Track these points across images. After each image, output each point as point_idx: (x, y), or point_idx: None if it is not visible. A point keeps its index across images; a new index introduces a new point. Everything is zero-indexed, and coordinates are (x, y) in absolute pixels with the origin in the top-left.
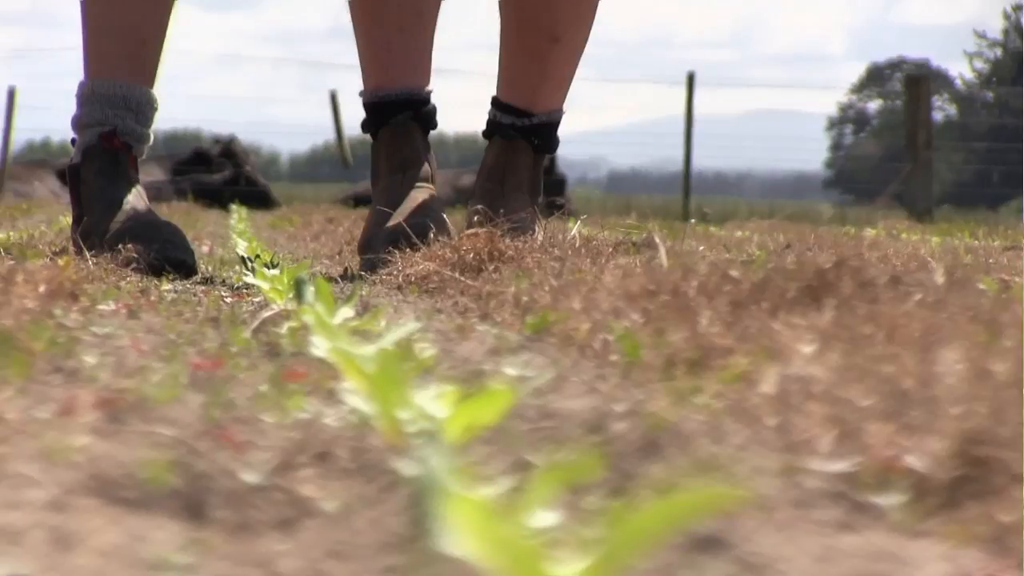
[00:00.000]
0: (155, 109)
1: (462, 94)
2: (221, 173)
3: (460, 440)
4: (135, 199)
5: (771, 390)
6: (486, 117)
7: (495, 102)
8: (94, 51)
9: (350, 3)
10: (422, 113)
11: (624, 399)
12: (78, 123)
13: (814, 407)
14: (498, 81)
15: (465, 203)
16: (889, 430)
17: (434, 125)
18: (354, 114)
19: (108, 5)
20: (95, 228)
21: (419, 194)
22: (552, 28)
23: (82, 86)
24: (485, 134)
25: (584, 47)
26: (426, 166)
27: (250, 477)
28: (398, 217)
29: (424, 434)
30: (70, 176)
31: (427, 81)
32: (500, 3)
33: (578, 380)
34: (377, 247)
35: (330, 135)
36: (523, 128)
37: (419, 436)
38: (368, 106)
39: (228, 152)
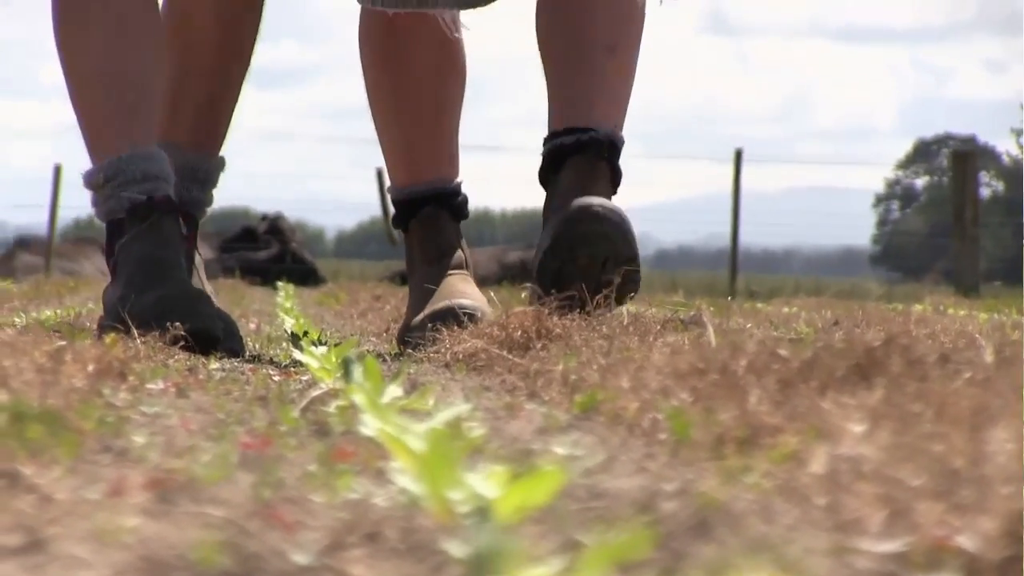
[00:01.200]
0: (221, 169)
1: (508, 170)
2: (268, 250)
3: (510, 520)
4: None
5: (821, 469)
6: (539, 163)
7: (551, 135)
8: (91, 127)
9: (370, 102)
10: (451, 204)
11: (674, 478)
12: (105, 209)
13: (864, 486)
14: (550, 114)
15: (512, 280)
16: (939, 509)
17: (465, 214)
18: None
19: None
20: (121, 301)
21: (456, 280)
22: (607, 37)
23: (94, 170)
24: (545, 170)
25: (636, 63)
26: (460, 253)
27: (300, 558)
28: (437, 303)
29: (474, 514)
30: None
31: (454, 172)
32: (542, 23)
33: (627, 459)
34: (417, 334)
35: (376, 211)
36: (592, 143)
37: (469, 516)
38: (397, 203)
39: (274, 229)
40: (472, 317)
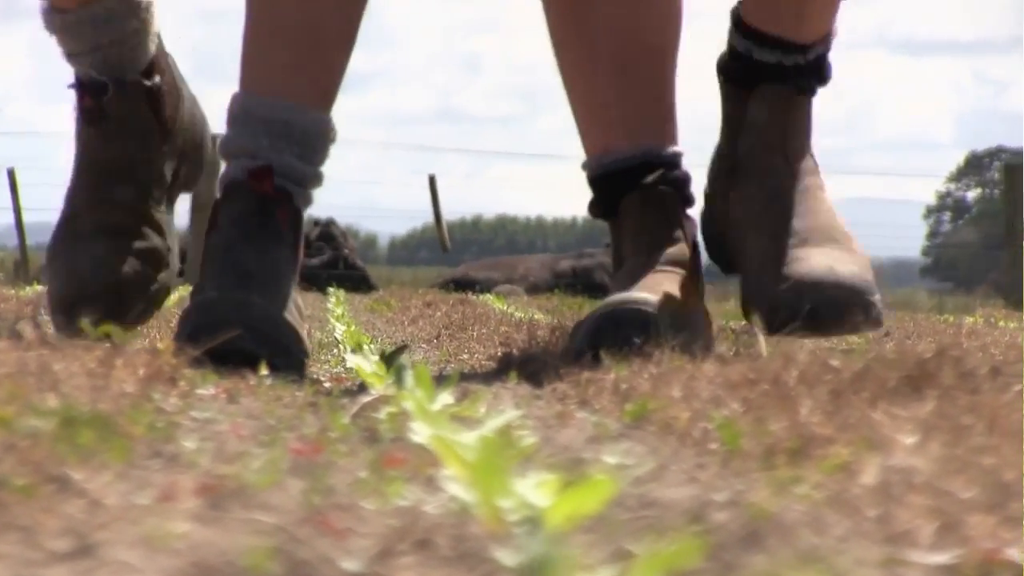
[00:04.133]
0: (331, 141)
1: (558, 179)
2: (320, 256)
3: (561, 529)
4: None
5: (872, 481)
6: (722, 51)
7: (740, 27)
8: (252, 54)
9: (556, 56)
10: (672, 178)
11: (724, 489)
12: (223, 149)
13: (915, 498)
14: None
15: (564, 288)
16: (990, 522)
17: (691, 199)
18: (453, 197)
19: None
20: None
21: (663, 279)
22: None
23: (234, 100)
24: (727, 77)
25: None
26: (682, 247)
27: (350, 565)
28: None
29: (525, 523)
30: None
31: (670, 137)
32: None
33: (678, 469)
34: (585, 340)
35: (429, 218)
36: (799, 70)
37: (520, 525)
38: (595, 181)
39: (327, 235)
40: (645, 321)
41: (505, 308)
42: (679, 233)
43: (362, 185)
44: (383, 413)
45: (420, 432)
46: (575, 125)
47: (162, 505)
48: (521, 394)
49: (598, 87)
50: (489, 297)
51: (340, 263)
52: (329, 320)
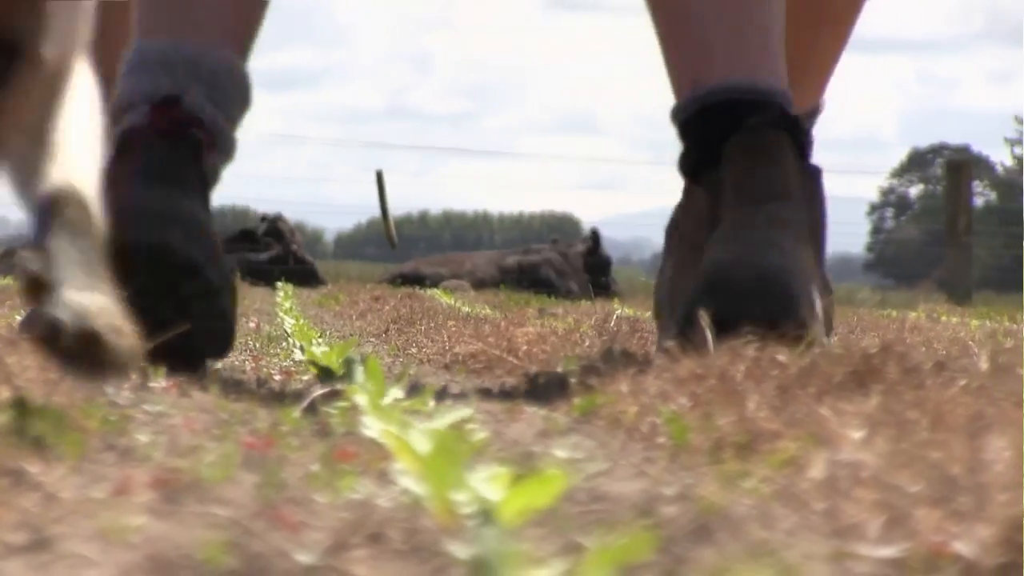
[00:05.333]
0: (246, 95)
1: (505, 175)
2: (268, 252)
3: (513, 523)
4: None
5: (819, 475)
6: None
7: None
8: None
9: None
10: (788, 119)
11: (673, 483)
12: (116, 109)
13: (862, 493)
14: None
15: (509, 283)
16: (937, 516)
17: (807, 140)
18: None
19: None
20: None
21: (780, 239)
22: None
23: (127, 54)
24: (685, 162)
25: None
26: (795, 202)
27: (304, 558)
28: (738, 272)
29: (477, 516)
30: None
31: (781, 77)
32: None
33: (627, 463)
34: (691, 315)
35: (375, 212)
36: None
37: (472, 518)
38: (689, 124)
39: (274, 231)
40: (768, 290)
41: (452, 303)
42: (793, 185)
43: (310, 182)
44: (334, 407)
45: (371, 426)
46: (665, 67)
47: (117, 499)
48: (470, 388)
49: (693, 10)
50: (437, 292)
51: (289, 258)
52: (278, 314)
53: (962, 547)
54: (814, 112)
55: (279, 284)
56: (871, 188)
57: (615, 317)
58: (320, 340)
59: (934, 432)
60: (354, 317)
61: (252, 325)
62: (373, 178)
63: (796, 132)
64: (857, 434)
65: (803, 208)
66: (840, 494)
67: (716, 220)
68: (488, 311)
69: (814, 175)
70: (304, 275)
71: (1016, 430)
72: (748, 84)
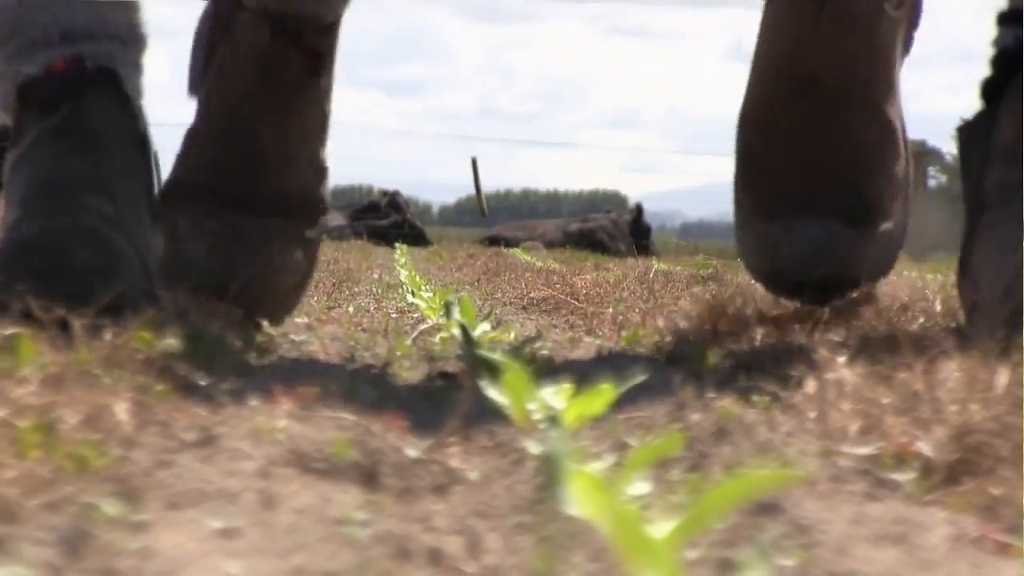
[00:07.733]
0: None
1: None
2: (388, 219)
3: (574, 426)
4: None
5: (812, 390)
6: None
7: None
8: None
9: None
10: None
11: (698, 396)
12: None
13: (845, 404)
14: None
15: (573, 245)
16: (903, 422)
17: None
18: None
19: None
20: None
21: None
22: None
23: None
24: (992, 82)
25: None
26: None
27: (412, 452)
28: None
29: (547, 421)
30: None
31: None
32: None
33: (661, 381)
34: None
35: (471, 190)
36: None
37: (543, 422)
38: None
39: (393, 203)
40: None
41: (528, 259)
42: None
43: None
44: (436, 338)
45: (465, 351)
46: None
47: (266, 406)
48: (542, 324)
49: None
50: (516, 251)
51: (404, 225)
52: (396, 267)
53: (923, 446)
54: None
55: (397, 245)
56: None
57: (653, 271)
58: (427, 287)
59: (901, 357)
60: (453, 270)
61: (375, 276)
62: (469, 163)
63: None
64: (841, 359)
65: None
66: (828, 405)
67: (980, 178)
68: (556, 265)
69: None
70: (416, 238)
71: (963, 356)
72: None
